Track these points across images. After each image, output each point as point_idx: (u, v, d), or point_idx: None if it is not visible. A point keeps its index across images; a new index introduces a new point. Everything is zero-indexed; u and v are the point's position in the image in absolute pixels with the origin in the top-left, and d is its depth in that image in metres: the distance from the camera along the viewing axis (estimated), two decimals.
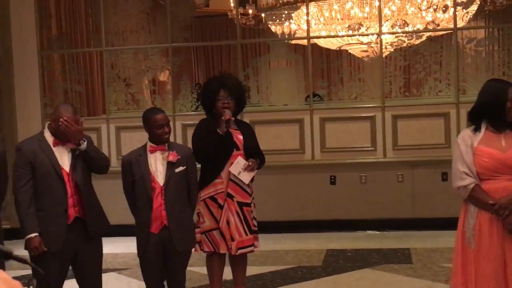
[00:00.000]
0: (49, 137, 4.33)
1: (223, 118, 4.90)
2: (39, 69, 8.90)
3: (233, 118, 5.06)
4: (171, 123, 8.46)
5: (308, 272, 6.57)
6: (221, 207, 4.89)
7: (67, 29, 9.49)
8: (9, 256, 2.14)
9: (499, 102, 3.78)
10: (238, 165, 4.91)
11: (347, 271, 6.60)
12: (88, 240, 4.33)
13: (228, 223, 4.90)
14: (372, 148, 8.54)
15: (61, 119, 4.12)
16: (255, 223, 5.09)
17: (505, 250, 3.70)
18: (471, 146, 3.81)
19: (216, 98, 4.97)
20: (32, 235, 4.09)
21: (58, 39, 9.38)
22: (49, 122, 4.40)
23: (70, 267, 4.41)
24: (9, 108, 8.76)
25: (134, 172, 4.46)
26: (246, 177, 4.94)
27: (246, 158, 4.97)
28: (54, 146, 4.30)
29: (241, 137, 5.02)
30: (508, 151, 3.76)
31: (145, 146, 4.54)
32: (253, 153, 5.04)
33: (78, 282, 4.48)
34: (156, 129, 4.48)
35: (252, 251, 5.10)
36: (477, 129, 3.89)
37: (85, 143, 4.21)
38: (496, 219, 3.70)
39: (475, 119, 3.91)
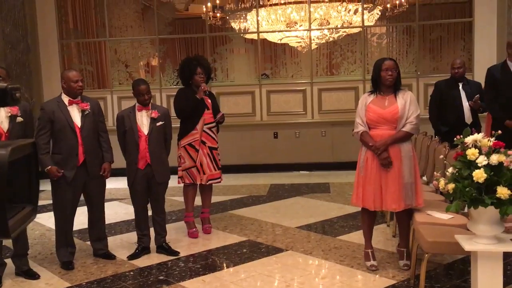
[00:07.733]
0: (65, 98, 4.20)
1: (202, 88, 4.83)
2: (59, 54, 8.69)
3: (208, 88, 5.00)
4: (158, 94, 8.53)
5: (256, 199, 6.61)
6: (197, 150, 4.85)
7: (80, 23, 9.28)
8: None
9: (376, 72, 3.83)
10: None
11: (284, 198, 6.65)
12: (92, 178, 4.23)
13: (201, 162, 4.88)
14: (304, 112, 8.53)
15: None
16: (220, 162, 5.06)
17: (381, 177, 3.79)
18: (365, 104, 3.83)
19: (194, 73, 4.87)
20: (49, 166, 4.02)
21: (73, 31, 9.15)
22: (62, 86, 4.23)
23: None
24: (36, 83, 8.53)
25: (125, 124, 4.33)
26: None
27: (214, 115, 4.95)
28: (69, 105, 4.17)
29: (209, 101, 4.97)
30: (387, 109, 3.78)
31: (134, 106, 4.41)
32: (217, 111, 5.01)
33: (88, 207, 4.41)
34: (139, 96, 4.35)
35: (219, 182, 5.08)
36: (372, 93, 3.90)
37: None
38: (376, 156, 3.78)
39: (374, 86, 3.92)
